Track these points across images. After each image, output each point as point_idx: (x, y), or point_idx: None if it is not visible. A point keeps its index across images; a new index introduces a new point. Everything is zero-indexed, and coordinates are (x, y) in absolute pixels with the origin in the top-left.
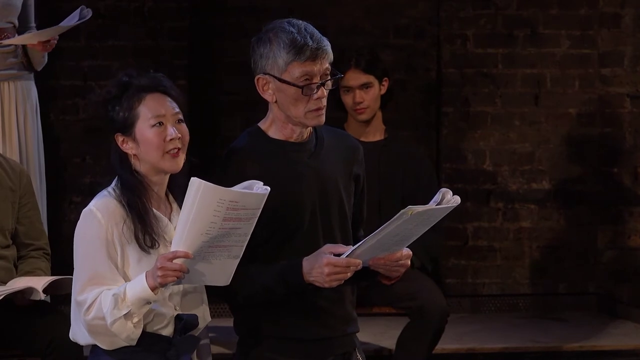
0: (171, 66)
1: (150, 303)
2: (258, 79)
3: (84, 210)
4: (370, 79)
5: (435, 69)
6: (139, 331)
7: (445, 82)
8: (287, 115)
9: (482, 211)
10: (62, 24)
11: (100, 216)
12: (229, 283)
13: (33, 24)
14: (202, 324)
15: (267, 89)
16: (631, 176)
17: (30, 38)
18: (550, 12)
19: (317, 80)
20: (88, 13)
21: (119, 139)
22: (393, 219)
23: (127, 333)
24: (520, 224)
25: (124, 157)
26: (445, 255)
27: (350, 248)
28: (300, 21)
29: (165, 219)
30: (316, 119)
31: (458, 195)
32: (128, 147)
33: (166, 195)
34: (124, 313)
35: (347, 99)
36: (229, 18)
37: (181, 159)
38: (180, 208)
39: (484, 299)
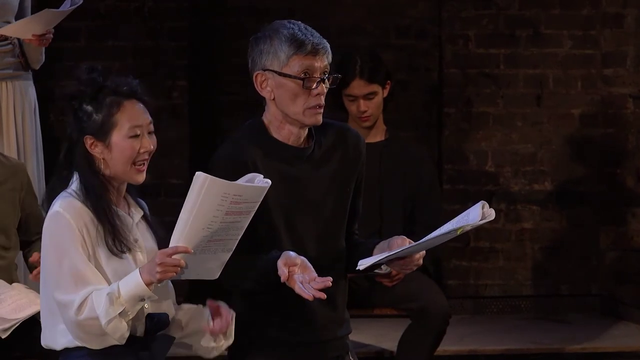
0: (171, 66)
1: (144, 300)
2: (257, 76)
3: (50, 213)
4: (375, 88)
5: (436, 69)
6: (129, 329)
7: (447, 82)
8: (284, 114)
9: None
10: (53, 10)
11: (68, 217)
12: (217, 277)
13: None
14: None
15: (266, 86)
16: (634, 177)
17: (23, 26)
18: (552, 12)
19: (317, 75)
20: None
21: (89, 141)
22: (441, 233)
23: (121, 332)
24: (522, 225)
25: (91, 159)
26: (447, 257)
27: (385, 254)
28: (300, 22)
29: (130, 219)
30: (314, 117)
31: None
32: (97, 150)
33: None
34: (119, 312)
35: (352, 107)
36: (229, 18)
37: (145, 171)
38: (136, 202)
39: (485, 300)
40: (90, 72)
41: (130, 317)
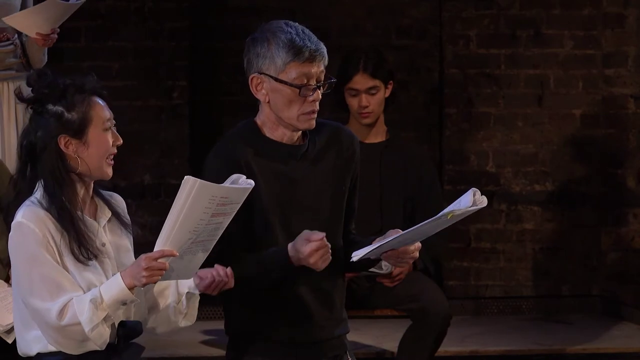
0: (171, 67)
1: (126, 304)
2: (252, 78)
3: (14, 224)
4: (377, 83)
5: (437, 69)
6: (109, 334)
7: (447, 83)
8: (278, 117)
9: (485, 213)
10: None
11: (33, 226)
12: (191, 278)
13: None
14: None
15: (261, 89)
16: (635, 177)
17: (28, 18)
18: (553, 12)
19: (313, 82)
20: None
21: (63, 141)
22: (431, 220)
23: (104, 338)
24: (523, 225)
25: (65, 159)
26: (448, 257)
27: (377, 243)
28: (297, 23)
29: (95, 224)
30: (307, 123)
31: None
32: (71, 149)
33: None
34: (103, 317)
35: (353, 102)
36: (229, 18)
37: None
38: (104, 201)
39: (486, 301)
40: (42, 75)
41: (113, 322)
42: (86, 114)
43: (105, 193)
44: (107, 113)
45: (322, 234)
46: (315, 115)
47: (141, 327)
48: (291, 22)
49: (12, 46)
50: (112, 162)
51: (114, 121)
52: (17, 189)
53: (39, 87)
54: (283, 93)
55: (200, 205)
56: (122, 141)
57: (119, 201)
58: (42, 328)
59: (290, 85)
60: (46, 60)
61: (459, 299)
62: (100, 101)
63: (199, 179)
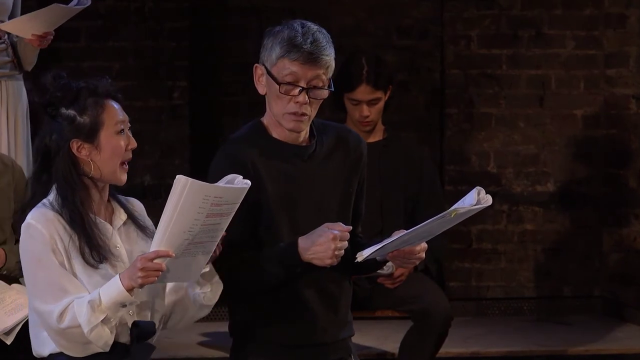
0: (172, 67)
1: (126, 306)
2: (256, 68)
3: (23, 225)
4: (379, 94)
5: (438, 70)
6: (113, 336)
7: (449, 83)
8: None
9: (486, 213)
10: (61, 5)
11: (40, 227)
12: (196, 279)
13: None
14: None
15: (262, 81)
16: (637, 178)
17: (26, 23)
18: (554, 12)
19: (302, 84)
20: (87, 0)
21: (75, 145)
22: (434, 218)
23: (105, 339)
24: (524, 226)
25: (77, 164)
26: (449, 258)
27: (382, 242)
28: (315, 27)
29: (110, 227)
30: (292, 123)
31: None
32: (84, 153)
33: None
34: (101, 319)
35: (354, 111)
36: (229, 18)
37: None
38: (122, 205)
39: (488, 302)
40: (58, 77)
41: (114, 324)
42: (98, 117)
43: (122, 197)
44: (121, 115)
45: (349, 227)
46: (304, 119)
47: (154, 327)
48: (308, 24)
49: (3, 45)
50: (127, 167)
51: (129, 124)
52: (32, 191)
53: (53, 90)
54: (273, 88)
55: (193, 204)
56: (136, 145)
57: (136, 205)
58: (47, 331)
59: (275, 80)
60: (35, 61)
61: (460, 300)
62: (115, 104)
63: (190, 178)
